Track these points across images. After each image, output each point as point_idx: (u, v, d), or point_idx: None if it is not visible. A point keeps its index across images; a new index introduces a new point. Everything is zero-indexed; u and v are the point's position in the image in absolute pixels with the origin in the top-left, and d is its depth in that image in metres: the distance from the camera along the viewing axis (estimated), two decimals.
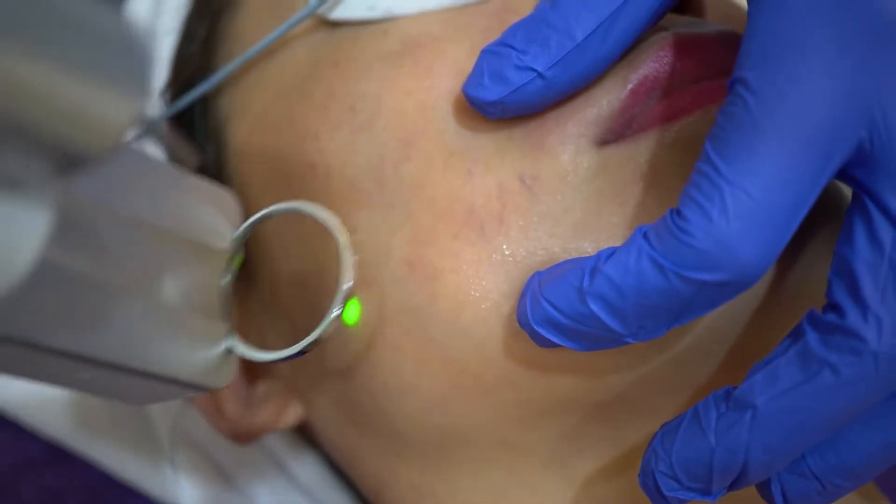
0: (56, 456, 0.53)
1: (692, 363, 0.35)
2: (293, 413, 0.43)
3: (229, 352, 0.34)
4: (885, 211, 0.29)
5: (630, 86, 0.34)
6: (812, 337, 0.29)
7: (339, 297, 0.34)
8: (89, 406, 0.53)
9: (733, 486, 0.30)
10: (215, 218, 0.34)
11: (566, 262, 0.32)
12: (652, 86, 0.34)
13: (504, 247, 0.34)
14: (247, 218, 0.35)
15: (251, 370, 0.44)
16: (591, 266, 0.30)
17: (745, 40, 0.30)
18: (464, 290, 0.34)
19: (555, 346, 0.32)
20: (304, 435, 0.51)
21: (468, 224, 0.34)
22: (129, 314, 0.29)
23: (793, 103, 0.28)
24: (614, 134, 0.34)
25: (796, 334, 0.30)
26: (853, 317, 0.28)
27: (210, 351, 0.33)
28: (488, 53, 0.34)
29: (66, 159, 0.21)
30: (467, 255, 0.34)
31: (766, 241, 0.28)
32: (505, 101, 0.33)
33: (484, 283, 0.34)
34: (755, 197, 0.28)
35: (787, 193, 0.28)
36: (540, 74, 0.32)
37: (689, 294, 0.29)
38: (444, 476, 0.39)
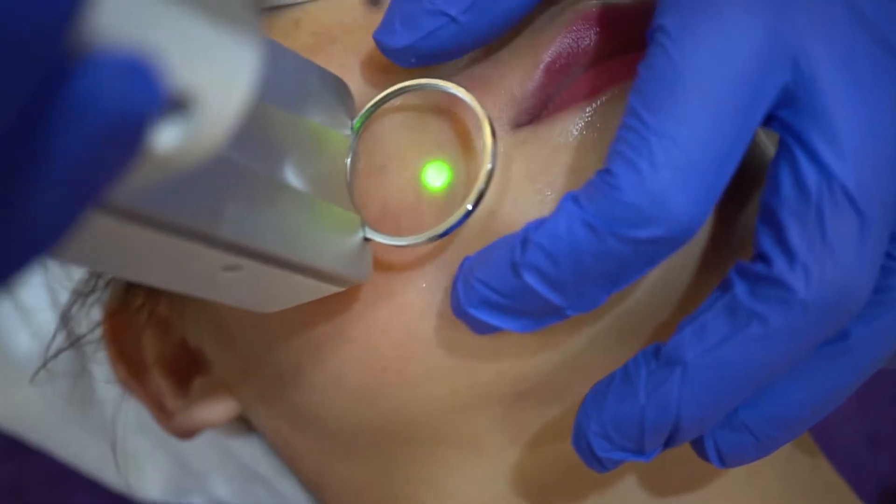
0: (16, 448, 0.53)
1: (632, 329, 0.34)
2: (228, 408, 0.42)
3: (366, 241, 0.32)
4: (811, 153, 0.28)
5: (542, 65, 0.32)
6: (740, 288, 0.28)
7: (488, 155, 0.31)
8: (47, 399, 0.52)
9: (667, 443, 0.30)
10: (333, 103, 0.33)
11: (494, 242, 0.31)
12: (566, 62, 0.32)
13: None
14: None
15: (191, 364, 0.43)
16: (521, 237, 0.29)
17: None
18: (380, 286, 0.33)
19: (494, 330, 0.31)
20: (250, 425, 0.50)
21: (383, 220, 0.33)
22: (276, 202, 0.28)
23: (714, 46, 0.27)
24: (529, 115, 0.33)
25: (724, 286, 0.29)
26: (780, 265, 0.27)
27: (350, 239, 0.32)
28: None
29: None
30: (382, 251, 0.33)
31: (698, 190, 0.27)
32: (417, 46, 0.31)
33: (400, 277, 0.33)
34: (683, 145, 0.27)
35: (716, 139, 0.27)
36: (453, 19, 0.31)
37: (625, 254, 0.28)
38: (377, 470, 0.38)
